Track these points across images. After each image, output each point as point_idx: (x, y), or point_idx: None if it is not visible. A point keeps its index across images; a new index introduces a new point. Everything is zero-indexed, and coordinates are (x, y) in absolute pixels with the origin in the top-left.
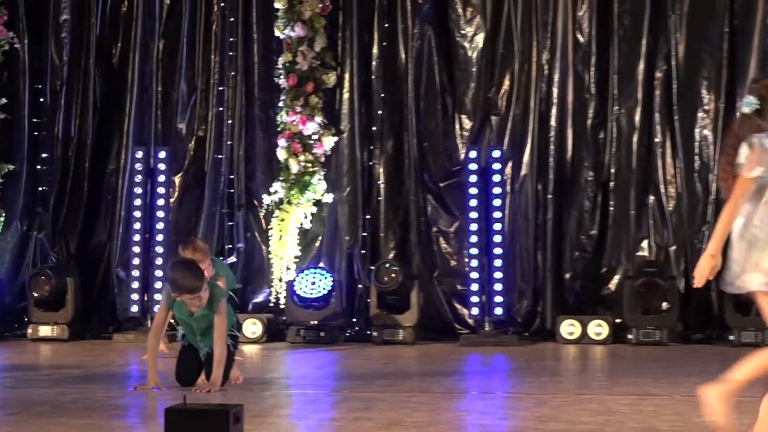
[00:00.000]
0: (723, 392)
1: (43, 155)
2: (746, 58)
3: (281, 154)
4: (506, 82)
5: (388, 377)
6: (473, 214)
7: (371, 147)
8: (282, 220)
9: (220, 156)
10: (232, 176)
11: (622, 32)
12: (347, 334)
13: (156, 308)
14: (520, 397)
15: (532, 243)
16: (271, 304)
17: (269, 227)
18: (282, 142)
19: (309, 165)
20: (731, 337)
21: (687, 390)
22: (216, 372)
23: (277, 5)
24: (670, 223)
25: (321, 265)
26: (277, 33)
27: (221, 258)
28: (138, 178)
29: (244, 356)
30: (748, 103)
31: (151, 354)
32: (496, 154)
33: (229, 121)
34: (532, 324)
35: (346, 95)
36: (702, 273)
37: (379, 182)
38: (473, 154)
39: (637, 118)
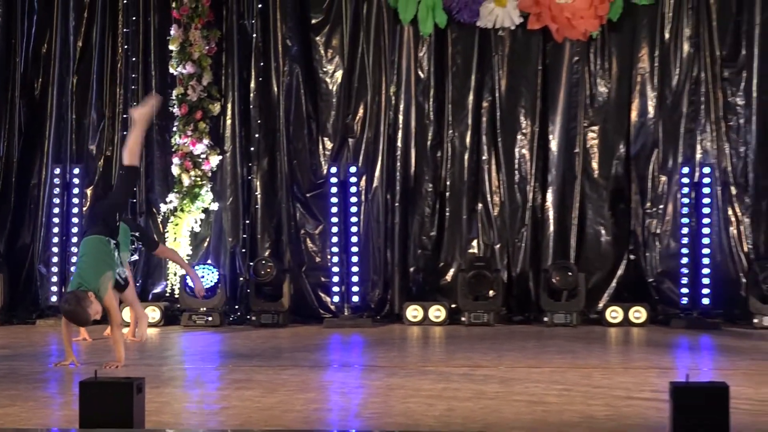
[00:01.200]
0: None
1: None
2: (556, 90)
3: (175, 170)
4: (361, 111)
5: (264, 354)
6: (334, 219)
7: (250, 164)
8: (176, 224)
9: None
10: (134, 189)
11: (455, 69)
12: (231, 319)
13: None
14: (373, 369)
15: (382, 242)
16: (168, 294)
17: (165, 230)
18: (176, 160)
19: (198, 179)
20: (545, 319)
21: (510, 362)
22: (118, 351)
23: (171, 47)
24: (495, 226)
25: (209, 261)
26: (171, 70)
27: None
28: (56, 191)
29: (143, 336)
30: None
31: (65, 336)
32: (353, 169)
33: None
34: (383, 309)
35: (228, 121)
36: None
37: (256, 193)
38: (334, 170)
39: (468, 140)
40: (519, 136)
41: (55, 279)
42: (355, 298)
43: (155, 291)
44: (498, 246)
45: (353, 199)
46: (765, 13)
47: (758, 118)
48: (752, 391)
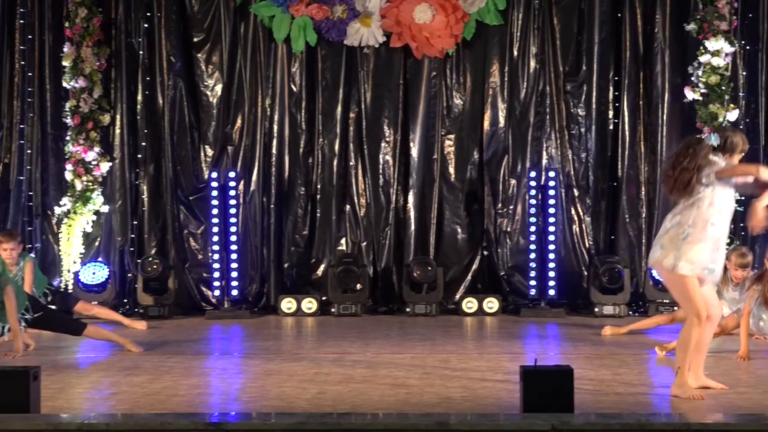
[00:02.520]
0: (684, 380)
1: None
2: (416, 102)
3: (68, 176)
4: (239, 121)
5: (151, 343)
6: (215, 220)
7: (137, 170)
8: (69, 225)
9: (21, 177)
10: (31, 193)
11: (325, 83)
12: (120, 312)
13: None
14: (251, 357)
15: (259, 241)
16: (62, 289)
17: (59, 231)
18: (69, 166)
19: (90, 184)
20: (407, 309)
21: (375, 349)
22: (16, 343)
23: (64, 63)
24: (362, 225)
25: (100, 259)
26: (64, 84)
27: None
28: None
29: (33, 343)
30: (713, 138)
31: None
32: (232, 174)
33: (29, 151)
34: (259, 302)
35: (117, 131)
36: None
37: (143, 196)
38: (214, 175)
39: (337, 147)
40: (383, 144)
41: None
42: (235, 292)
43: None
44: (364, 243)
45: (232, 202)
46: (602, 33)
47: (597, 127)
48: (593, 373)
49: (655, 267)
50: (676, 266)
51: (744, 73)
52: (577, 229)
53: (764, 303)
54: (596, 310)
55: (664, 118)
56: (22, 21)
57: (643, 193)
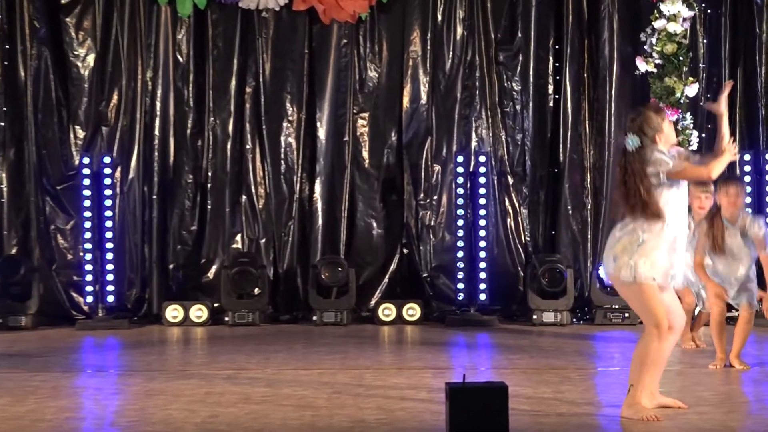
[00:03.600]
0: (637, 400)
1: None
2: (324, 75)
3: None
4: (115, 97)
5: (12, 359)
6: (87, 213)
7: None
8: None
9: None
10: None
11: (216, 53)
12: None
13: None
14: (130, 374)
15: (139, 238)
16: None
17: None
18: None
19: None
20: (314, 318)
21: (276, 364)
22: None
23: None
24: (260, 219)
25: None
26: None
27: None
28: None
29: None
30: (631, 142)
31: None
32: (107, 160)
33: None
34: (140, 309)
35: None
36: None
37: (1, 186)
38: (86, 160)
39: (231, 127)
40: (285, 124)
41: None
42: (111, 298)
43: None
44: (263, 240)
45: (108, 192)
46: None
47: (535, 104)
48: (531, 390)
49: (612, 282)
50: (635, 277)
51: (705, 41)
52: (512, 223)
53: (714, 249)
54: (534, 317)
55: (613, 93)
56: None
57: (588, 180)
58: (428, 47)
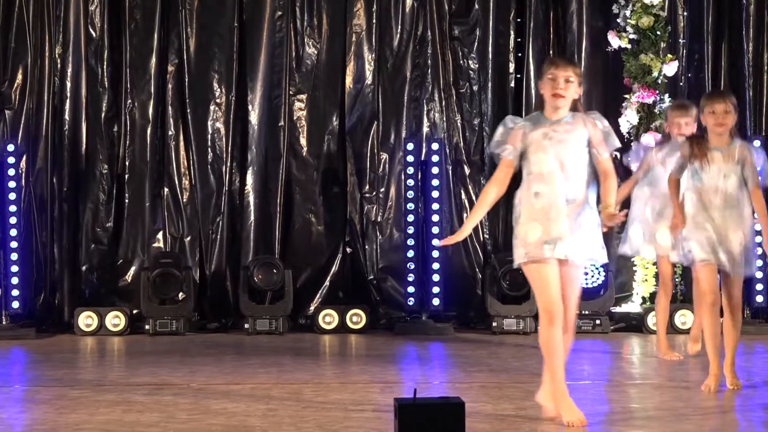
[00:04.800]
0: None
1: None
2: (256, 52)
3: None
4: (19, 77)
5: None
6: None
7: None
8: None
9: None
10: None
11: (134, 26)
12: None
13: None
14: (38, 390)
15: (48, 236)
16: None
17: None
18: None
19: None
20: (246, 326)
21: (204, 378)
22: None
23: None
24: (185, 215)
25: None
26: None
27: None
28: None
29: None
30: None
31: None
32: (11, 148)
33: None
34: (49, 317)
35: None
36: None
37: None
38: None
39: (151, 111)
40: (212, 107)
41: None
42: (15, 304)
43: None
44: (188, 239)
45: (11, 184)
46: None
47: (494, 84)
48: (490, 407)
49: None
50: (516, 258)
51: (685, 14)
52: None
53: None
54: (494, 324)
55: (582, 72)
56: None
57: None
58: (374, 20)
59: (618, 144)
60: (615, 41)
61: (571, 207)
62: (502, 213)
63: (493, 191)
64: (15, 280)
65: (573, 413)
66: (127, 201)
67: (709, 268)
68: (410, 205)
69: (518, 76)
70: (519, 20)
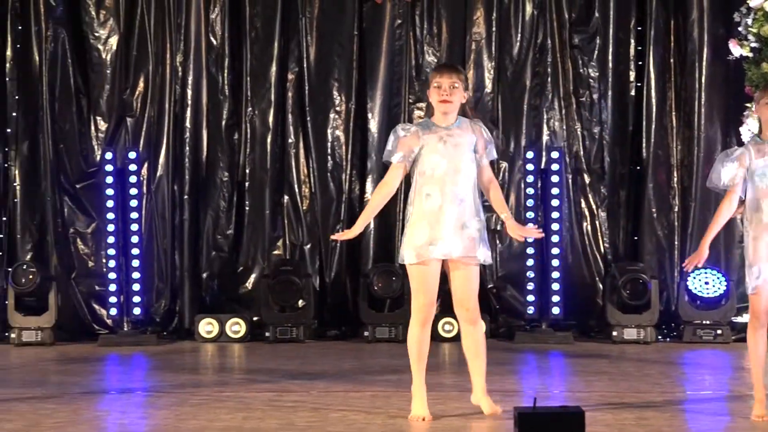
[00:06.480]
0: None
1: None
2: (375, 60)
3: None
4: (141, 84)
5: (26, 379)
6: (110, 215)
7: (6, 149)
8: None
9: None
10: None
11: (255, 35)
12: None
13: None
14: (159, 396)
15: (169, 243)
16: None
17: None
18: None
19: None
20: (366, 333)
21: (323, 385)
22: None
23: None
24: (305, 222)
25: None
26: None
27: None
28: None
29: None
30: None
31: None
32: (132, 155)
33: None
34: (170, 323)
35: None
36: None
37: (15, 184)
38: (109, 155)
39: (271, 119)
40: (332, 115)
41: None
42: (137, 311)
43: None
44: (308, 246)
45: (133, 191)
46: None
47: (614, 93)
48: (611, 416)
49: None
50: (404, 258)
51: None
52: (589, 228)
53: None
54: (614, 333)
55: (702, 81)
56: None
57: (675, 179)
58: (493, 29)
59: (495, 156)
60: (736, 50)
61: (461, 209)
62: (623, 222)
63: (383, 192)
64: (137, 287)
65: (421, 410)
66: (247, 208)
67: None
68: (530, 214)
69: (638, 84)
70: (639, 28)
